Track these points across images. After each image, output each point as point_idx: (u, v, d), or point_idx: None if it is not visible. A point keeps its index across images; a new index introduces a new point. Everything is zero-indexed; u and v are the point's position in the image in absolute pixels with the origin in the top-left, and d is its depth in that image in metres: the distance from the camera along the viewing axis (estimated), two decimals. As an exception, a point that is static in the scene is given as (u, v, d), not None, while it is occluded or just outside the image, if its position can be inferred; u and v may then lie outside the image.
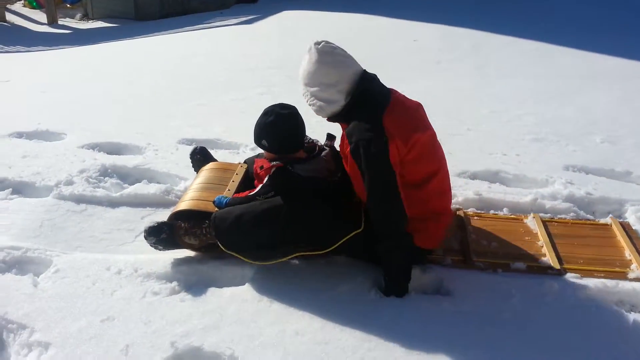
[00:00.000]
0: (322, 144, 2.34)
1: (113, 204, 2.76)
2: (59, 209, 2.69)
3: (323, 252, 2.12)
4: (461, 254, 2.27)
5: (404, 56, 5.71)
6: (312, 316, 1.96)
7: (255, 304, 2.03)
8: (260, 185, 2.21)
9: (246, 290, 2.10)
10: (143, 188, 2.87)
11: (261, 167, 2.24)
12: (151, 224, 2.31)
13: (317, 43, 2.04)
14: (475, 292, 2.07)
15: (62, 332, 1.91)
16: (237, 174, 2.54)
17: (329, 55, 2.01)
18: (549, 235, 2.39)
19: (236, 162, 2.73)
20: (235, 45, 6.72)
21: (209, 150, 2.90)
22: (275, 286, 2.11)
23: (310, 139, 2.32)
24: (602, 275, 2.15)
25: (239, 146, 3.46)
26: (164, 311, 2.00)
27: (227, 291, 2.10)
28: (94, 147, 3.45)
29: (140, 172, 3.08)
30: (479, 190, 2.78)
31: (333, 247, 2.10)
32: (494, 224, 2.51)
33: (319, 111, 2.09)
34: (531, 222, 2.50)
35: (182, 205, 2.36)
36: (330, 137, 2.38)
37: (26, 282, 2.16)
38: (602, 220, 2.57)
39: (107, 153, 3.38)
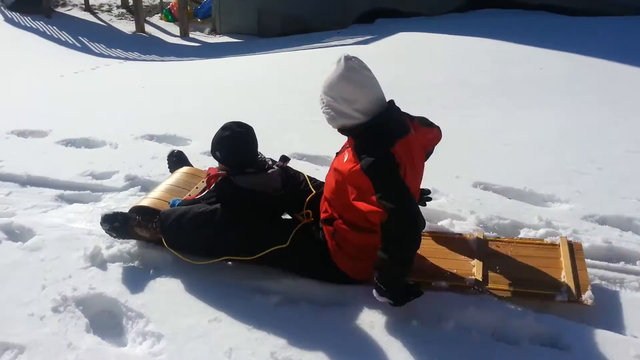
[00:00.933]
0: (275, 163, 2.49)
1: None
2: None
3: (248, 259, 2.26)
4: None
5: (528, 84, 5.41)
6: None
7: (357, 331, 2.00)
8: (206, 191, 2.44)
9: (353, 310, 2.09)
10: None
11: (210, 175, 2.49)
12: (107, 212, 2.54)
13: (348, 57, 2.06)
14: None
15: (173, 326, 2.03)
16: (203, 181, 2.71)
17: (356, 73, 2.04)
18: (486, 254, 2.31)
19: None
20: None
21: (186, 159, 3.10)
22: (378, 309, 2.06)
23: (264, 157, 2.48)
24: (521, 296, 2.06)
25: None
26: (268, 320, 2.04)
27: (329, 311, 2.10)
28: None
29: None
30: (609, 237, 2.52)
31: (257, 256, 2.22)
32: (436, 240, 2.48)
33: (330, 120, 2.13)
34: (473, 242, 2.42)
35: (143, 202, 2.58)
36: (284, 159, 2.53)
37: (147, 274, 2.33)
38: (549, 240, 2.42)
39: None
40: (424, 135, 2.32)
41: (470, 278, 2.16)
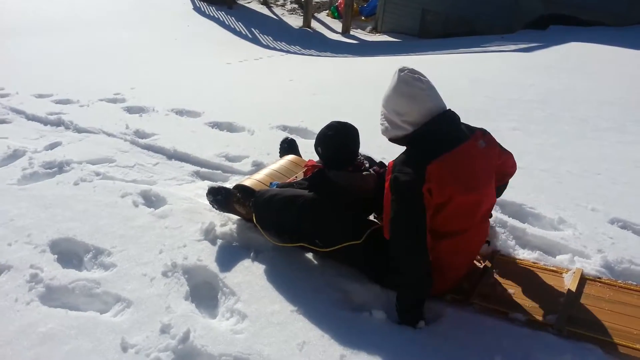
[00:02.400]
0: (372, 167, 2.54)
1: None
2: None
3: (322, 250, 2.31)
4: (464, 294, 2.15)
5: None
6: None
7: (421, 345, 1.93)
8: (301, 179, 2.60)
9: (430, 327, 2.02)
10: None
11: (308, 166, 2.66)
12: (213, 185, 2.80)
13: (402, 70, 2.10)
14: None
15: (258, 309, 2.15)
16: (303, 171, 2.80)
17: (406, 86, 2.07)
18: (579, 294, 2.10)
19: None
20: (503, 72, 6.40)
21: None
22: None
23: (363, 159, 2.57)
24: (610, 347, 1.82)
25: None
26: (345, 324, 2.06)
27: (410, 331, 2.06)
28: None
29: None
30: None
31: (331, 249, 2.27)
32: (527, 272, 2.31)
33: (383, 131, 2.19)
34: (569, 277, 2.21)
35: (245, 182, 2.78)
36: (381, 165, 2.59)
37: (248, 255, 2.50)
38: None
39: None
40: (498, 152, 2.26)
41: (551, 316, 1.99)
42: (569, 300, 2.07)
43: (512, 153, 2.35)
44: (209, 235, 2.67)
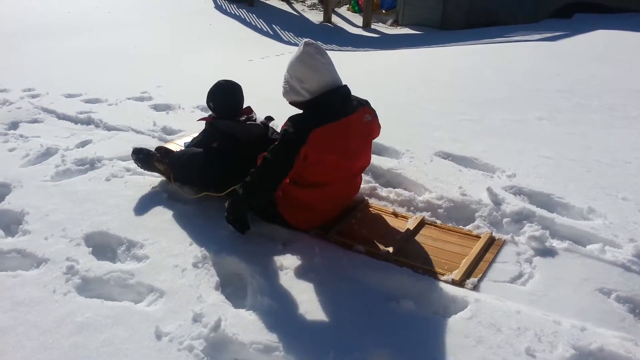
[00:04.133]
0: (260, 119, 3.00)
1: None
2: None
3: (218, 195, 2.74)
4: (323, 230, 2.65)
5: None
6: None
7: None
8: (199, 133, 3.09)
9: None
10: (389, 192, 3.01)
11: (200, 119, 3.11)
12: (136, 146, 3.27)
13: (307, 43, 2.44)
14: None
15: (286, 299, 2.20)
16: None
17: (310, 57, 2.42)
18: (416, 233, 2.63)
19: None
20: (529, 62, 6.30)
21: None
22: None
23: (255, 117, 2.98)
24: (421, 269, 2.35)
25: (495, 170, 3.27)
26: (373, 313, 2.09)
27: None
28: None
29: (392, 175, 3.22)
30: None
31: (224, 193, 2.69)
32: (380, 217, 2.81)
33: (284, 94, 2.55)
34: (413, 221, 2.71)
35: (166, 145, 3.28)
36: (268, 119, 3.06)
37: (276, 249, 2.54)
38: (475, 232, 2.63)
39: (369, 151, 3.61)
40: (377, 126, 2.74)
41: (385, 249, 2.49)
42: (404, 238, 2.57)
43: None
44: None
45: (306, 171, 2.45)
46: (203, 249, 2.51)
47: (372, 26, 11.58)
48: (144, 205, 2.95)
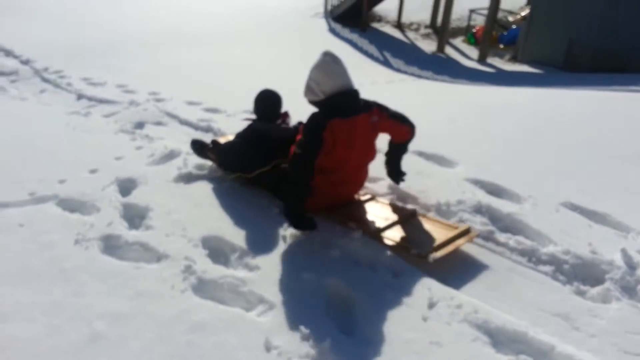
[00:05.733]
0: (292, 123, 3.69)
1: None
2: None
3: (247, 176, 3.38)
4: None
5: None
6: None
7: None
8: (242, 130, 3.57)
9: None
10: (507, 238, 2.85)
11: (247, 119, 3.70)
12: (195, 138, 4.01)
13: (325, 53, 2.89)
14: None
15: (391, 333, 2.14)
16: None
17: (325, 64, 2.86)
18: (405, 221, 2.97)
19: None
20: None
21: None
22: None
23: (287, 118, 3.65)
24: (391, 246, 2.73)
25: (630, 230, 2.98)
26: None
27: None
28: (477, 182, 3.57)
29: (512, 221, 3.04)
30: None
31: (251, 175, 3.34)
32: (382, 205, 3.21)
33: (304, 93, 2.95)
34: (406, 211, 3.09)
35: (220, 139, 3.78)
36: (300, 123, 3.63)
37: (383, 278, 2.51)
38: (456, 224, 2.98)
39: (488, 192, 3.44)
40: (385, 125, 3.06)
41: (372, 229, 2.86)
42: (391, 223, 2.90)
43: (410, 127, 3.16)
44: (349, 254, 2.69)
45: (318, 160, 2.79)
46: (313, 268, 2.52)
47: (488, 60, 11.28)
48: (260, 217, 3.04)
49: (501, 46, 12.60)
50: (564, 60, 10.38)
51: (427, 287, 2.41)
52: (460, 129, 5.06)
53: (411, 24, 14.77)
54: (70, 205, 3.13)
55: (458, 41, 13.50)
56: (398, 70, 10.43)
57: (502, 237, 2.84)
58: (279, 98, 3.61)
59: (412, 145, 4.29)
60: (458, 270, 2.62)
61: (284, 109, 3.68)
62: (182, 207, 3.13)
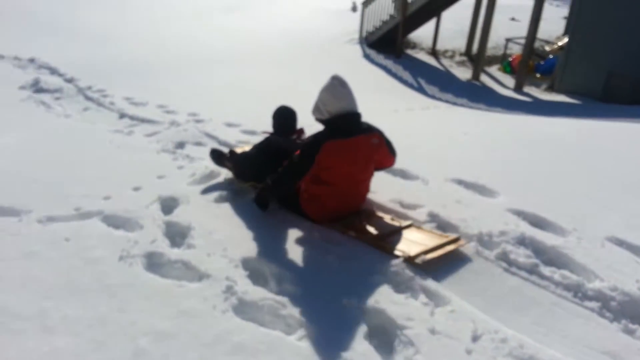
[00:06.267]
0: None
1: (511, 273, 2.84)
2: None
3: (260, 185, 3.48)
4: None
5: None
6: None
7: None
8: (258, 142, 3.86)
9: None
10: (552, 272, 2.78)
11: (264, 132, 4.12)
12: (214, 148, 4.38)
13: (334, 77, 3.19)
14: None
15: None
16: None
17: (333, 87, 3.16)
18: (398, 230, 3.22)
19: None
20: None
21: None
22: None
23: (303, 134, 3.92)
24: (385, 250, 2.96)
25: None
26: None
27: None
28: (519, 213, 3.51)
29: (556, 254, 2.97)
30: None
31: (263, 184, 3.38)
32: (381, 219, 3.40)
33: (312, 111, 3.28)
34: (399, 224, 3.30)
35: (237, 150, 4.08)
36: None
37: (425, 308, 2.47)
38: (445, 234, 3.20)
39: (530, 224, 3.37)
40: (380, 151, 3.35)
41: (368, 235, 3.10)
42: (385, 233, 3.13)
43: (394, 159, 3.52)
44: (388, 280, 2.67)
45: (321, 173, 3.15)
46: (354, 293, 2.51)
47: (524, 89, 11.17)
48: (300, 243, 3.05)
49: (538, 75, 12.47)
50: (602, 91, 10.20)
51: (470, 319, 2.37)
52: (500, 158, 5.00)
53: (446, 51, 14.78)
54: (115, 221, 3.21)
55: (493, 69, 13.42)
56: (433, 97, 10.42)
57: (546, 270, 2.78)
58: (294, 114, 3.91)
59: (451, 173, 4.33)
60: (501, 302, 2.57)
61: (303, 126, 4.01)
62: (222, 227, 3.17)
